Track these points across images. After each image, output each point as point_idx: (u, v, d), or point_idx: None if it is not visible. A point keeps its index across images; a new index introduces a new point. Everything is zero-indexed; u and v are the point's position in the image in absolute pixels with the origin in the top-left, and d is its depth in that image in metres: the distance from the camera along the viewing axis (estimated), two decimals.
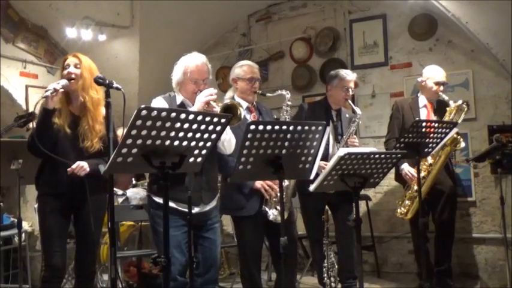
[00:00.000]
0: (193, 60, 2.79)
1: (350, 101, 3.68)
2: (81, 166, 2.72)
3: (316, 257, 3.81)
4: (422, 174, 3.65)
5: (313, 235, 3.75)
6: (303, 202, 3.74)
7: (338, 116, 3.72)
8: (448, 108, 3.76)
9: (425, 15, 4.80)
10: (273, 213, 3.09)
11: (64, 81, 2.72)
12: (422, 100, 3.97)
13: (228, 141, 2.80)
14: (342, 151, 2.40)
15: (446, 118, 3.73)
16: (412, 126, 3.08)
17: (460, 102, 3.72)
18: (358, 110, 3.61)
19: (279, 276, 3.41)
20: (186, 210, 2.51)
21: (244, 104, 3.23)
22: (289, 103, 3.33)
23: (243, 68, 3.34)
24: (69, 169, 2.71)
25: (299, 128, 2.20)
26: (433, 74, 3.92)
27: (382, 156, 2.53)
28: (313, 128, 2.24)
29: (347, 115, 3.75)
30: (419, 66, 4.59)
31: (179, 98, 2.83)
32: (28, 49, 4.96)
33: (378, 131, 4.83)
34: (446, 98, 3.81)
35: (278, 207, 3.09)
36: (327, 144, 3.50)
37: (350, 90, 3.66)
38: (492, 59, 4.46)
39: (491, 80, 4.59)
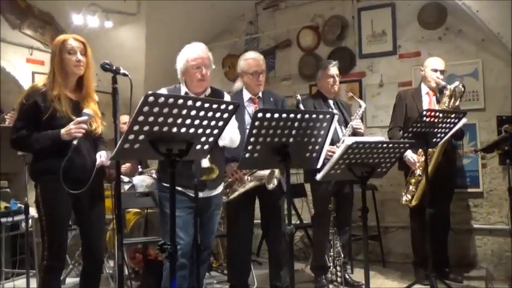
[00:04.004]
0: (194, 49, 2.89)
1: (353, 95, 4.02)
2: (106, 156, 2.70)
3: (316, 241, 3.92)
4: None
5: (320, 220, 3.82)
6: (315, 187, 3.86)
7: (336, 104, 3.96)
8: (445, 92, 3.80)
9: (435, 3, 4.74)
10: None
11: (86, 118, 2.63)
12: (424, 89, 4.04)
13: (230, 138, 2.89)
14: (350, 140, 2.39)
15: (444, 101, 3.77)
16: (420, 116, 3.06)
17: (456, 83, 3.75)
18: (362, 103, 3.90)
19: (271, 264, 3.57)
20: (192, 194, 2.56)
21: (247, 96, 3.43)
22: None
23: (247, 61, 3.46)
24: (99, 162, 2.68)
25: (307, 116, 2.18)
26: (430, 62, 4.03)
27: (390, 145, 2.53)
28: (321, 116, 2.23)
29: (342, 102, 4.05)
30: (428, 56, 4.52)
31: (183, 90, 2.89)
32: (34, 35, 4.95)
33: (385, 120, 4.79)
34: (443, 83, 3.86)
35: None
36: (335, 131, 3.71)
37: (336, 76, 3.90)
38: (503, 48, 4.40)
39: (501, 70, 4.53)
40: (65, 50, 2.67)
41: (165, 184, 2.82)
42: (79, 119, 2.60)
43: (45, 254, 2.65)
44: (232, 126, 2.88)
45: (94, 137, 2.77)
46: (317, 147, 2.29)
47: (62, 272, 2.81)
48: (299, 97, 3.64)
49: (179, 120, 1.86)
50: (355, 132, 3.78)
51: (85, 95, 2.76)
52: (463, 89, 3.73)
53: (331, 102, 3.95)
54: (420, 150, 3.65)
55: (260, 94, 3.50)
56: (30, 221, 3.90)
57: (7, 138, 2.95)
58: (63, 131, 2.58)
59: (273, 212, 3.47)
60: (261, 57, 3.51)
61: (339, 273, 3.36)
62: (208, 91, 2.94)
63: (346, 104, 4.15)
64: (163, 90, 2.82)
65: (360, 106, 3.88)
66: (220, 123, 2.00)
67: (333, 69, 3.90)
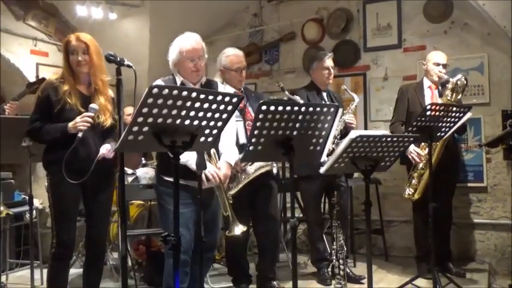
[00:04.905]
0: (187, 40, 2.83)
1: (346, 87, 4.00)
2: (109, 149, 2.77)
3: (313, 239, 3.96)
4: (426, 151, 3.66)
5: (312, 217, 3.94)
6: (302, 185, 3.89)
7: (328, 96, 3.96)
8: (447, 85, 3.77)
9: None
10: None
11: (91, 113, 2.73)
12: (426, 83, 4.02)
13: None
14: (354, 133, 2.38)
15: (446, 94, 3.75)
16: (424, 110, 3.04)
17: (458, 77, 3.72)
18: (356, 97, 3.89)
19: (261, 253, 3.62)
20: (194, 185, 2.55)
21: (231, 90, 3.39)
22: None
23: (229, 58, 3.47)
24: (100, 154, 2.75)
25: (311, 109, 2.17)
26: (432, 56, 4.01)
27: (394, 139, 2.52)
28: (325, 109, 2.22)
29: (335, 95, 4.05)
30: (434, 50, 4.50)
31: (178, 80, 2.86)
32: (39, 27, 4.95)
33: (389, 114, 4.75)
34: (446, 77, 3.84)
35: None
36: None
37: (331, 69, 3.90)
38: (508, 42, 4.35)
39: (506, 64, 4.50)
40: (69, 51, 2.82)
41: (166, 178, 2.72)
42: (85, 113, 2.72)
43: (54, 241, 2.77)
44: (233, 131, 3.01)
45: (102, 129, 2.84)
46: (321, 140, 2.29)
47: (70, 260, 2.90)
48: (282, 84, 3.70)
49: (183, 112, 1.85)
50: (346, 127, 3.76)
51: (93, 91, 2.86)
52: (465, 82, 3.70)
53: (324, 94, 3.94)
54: (422, 144, 3.66)
55: (242, 88, 3.53)
56: (34, 212, 3.92)
57: (9, 130, 3.04)
58: (70, 124, 2.70)
59: (266, 202, 3.49)
60: (242, 53, 3.56)
61: (341, 267, 3.36)
62: (204, 79, 2.93)
63: (339, 96, 4.13)
64: (159, 81, 2.78)
65: (354, 100, 3.89)
66: (224, 116, 1.99)
67: (329, 61, 3.89)
